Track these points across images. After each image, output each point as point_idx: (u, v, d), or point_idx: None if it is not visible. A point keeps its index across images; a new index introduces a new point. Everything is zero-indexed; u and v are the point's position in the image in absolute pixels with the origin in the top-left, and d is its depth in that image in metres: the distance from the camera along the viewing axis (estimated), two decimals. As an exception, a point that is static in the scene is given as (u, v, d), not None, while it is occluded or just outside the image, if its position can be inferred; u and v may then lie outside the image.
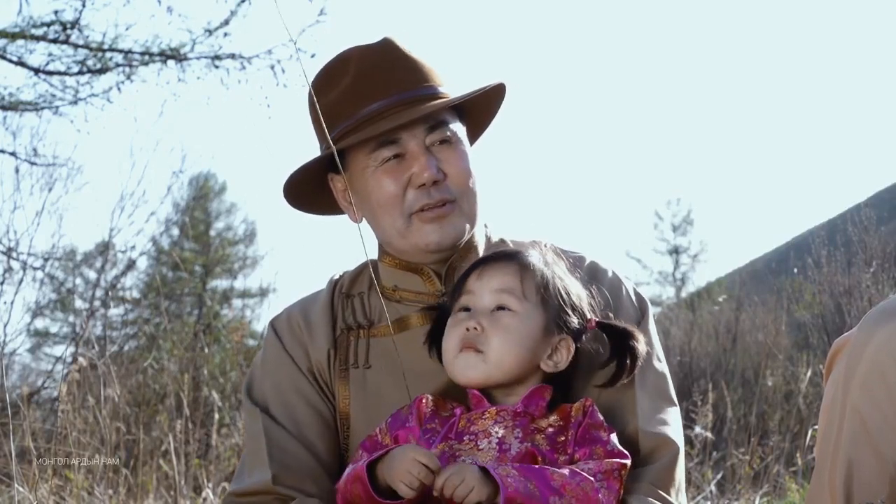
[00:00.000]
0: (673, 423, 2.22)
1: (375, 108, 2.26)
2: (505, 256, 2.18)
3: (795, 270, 11.52)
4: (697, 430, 5.74)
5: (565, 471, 1.96)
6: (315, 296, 2.43)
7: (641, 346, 2.19)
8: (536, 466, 1.97)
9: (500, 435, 2.05)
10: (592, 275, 2.34)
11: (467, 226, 2.28)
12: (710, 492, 5.49)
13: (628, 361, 2.18)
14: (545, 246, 2.27)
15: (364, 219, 2.35)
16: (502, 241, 2.34)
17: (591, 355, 2.19)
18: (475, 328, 2.10)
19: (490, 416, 2.08)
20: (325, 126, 2.29)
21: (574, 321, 2.16)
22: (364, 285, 2.41)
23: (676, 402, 2.29)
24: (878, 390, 2.02)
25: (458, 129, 2.32)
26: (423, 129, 2.26)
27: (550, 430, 2.08)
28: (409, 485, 1.94)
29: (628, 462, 2.05)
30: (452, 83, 2.35)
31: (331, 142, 2.29)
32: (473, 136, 2.40)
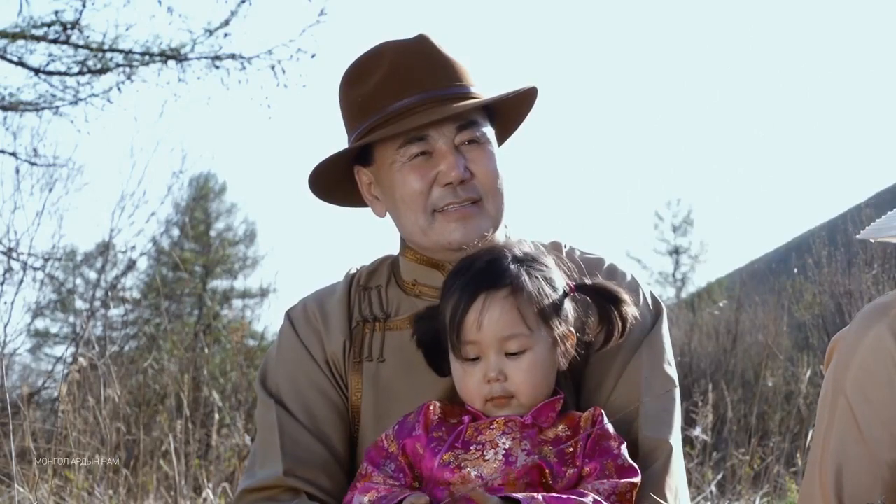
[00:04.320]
0: (674, 426, 2.22)
1: (406, 104, 2.25)
2: (490, 287, 2.08)
3: (796, 271, 11.52)
4: (697, 431, 5.74)
5: (588, 499, 1.94)
6: (332, 288, 2.42)
7: (629, 308, 2.16)
8: (564, 496, 1.94)
9: (507, 446, 2.03)
10: (610, 277, 2.33)
11: (491, 227, 2.28)
12: (711, 492, 5.49)
13: (619, 322, 2.15)
14: (514, 239, 2.26)
15: (388, 213, 2.35)
16: (522, 241, 2.33)
17: (582, 323, 2.17)
18: (497, 379, 2.06)
19: (498, 426, 2.06)
20: (354, 119, 2.30)
21: (565, 309, 2.13)
22: (382, 279, 2.40)
23: (680, 404, 2.29)
24: (869, 389, 2.02)
25: (488, 130, 2.31)
26: (452, 127, 2.26)
27: (558, 440, 2.05)
28: None
29: (639, 479, 2.03)
30: (485, 84, 2.33)
31: (354, 135, 2.29)
32: (500, 139, 2.39)
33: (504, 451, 2.02)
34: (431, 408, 2.11)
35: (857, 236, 2.13)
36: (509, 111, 2.38)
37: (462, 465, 2.02)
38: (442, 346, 2.16)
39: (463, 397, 2.12)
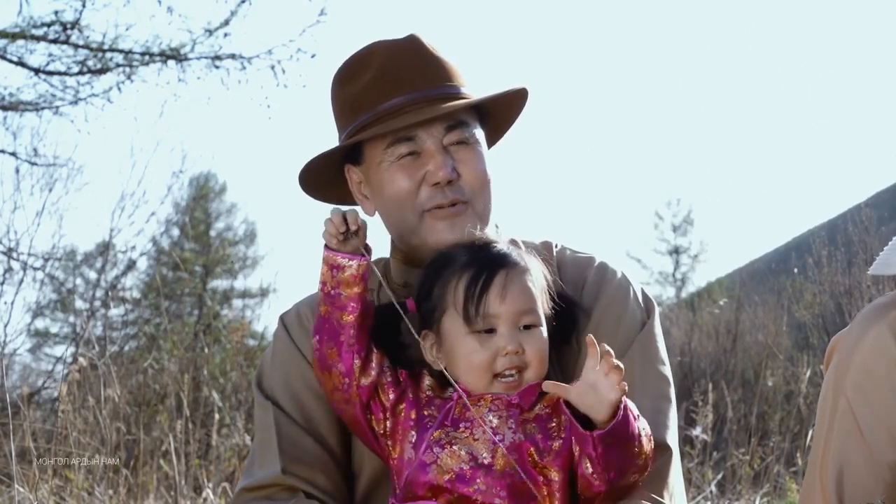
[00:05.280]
0: (670, 426, 2.22)
1: (396, 104, 2.25)
2: (507, 264, 2.15)
3: (796, 270, 11.52)
4: (697, 431, 5.74)
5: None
6: None
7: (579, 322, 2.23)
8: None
9: (493, 424, 2.06)
10: (601, 275, 2.34)
11: (479, 227, 2.28)
12: (711, 492, 5.50)
13: (568, 327, 2.22)
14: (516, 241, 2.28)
15: (377, 213, 2.36)
16: (513, 241, 2.33)
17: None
18: (516, 352, 2.10)
19: (485, 403, 2.09)
20: (345, 118, 2.30)
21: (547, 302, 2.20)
22: (374, 282, 2.41)
23: (675, 404, 2.29)
24: (869, 390, 2.02)
25: (478, 131, 2.31)
26: (441, 127, 2.26)
27: (540, 418, 2.09)
28: (327, 229, 2.08)
29: None
30: (479, 85, 2.33)
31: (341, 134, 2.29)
32: (491, 141, 2.39)
33: (492, 429, 2.06)
34: (426, 381, 2.15)
35: (868, 272, 2.14)
36: (500, 112, 2.37)
37: (452, 442, 2.06)
38: (399, 342, 2.19)
39: (467, 374, 2.13)
